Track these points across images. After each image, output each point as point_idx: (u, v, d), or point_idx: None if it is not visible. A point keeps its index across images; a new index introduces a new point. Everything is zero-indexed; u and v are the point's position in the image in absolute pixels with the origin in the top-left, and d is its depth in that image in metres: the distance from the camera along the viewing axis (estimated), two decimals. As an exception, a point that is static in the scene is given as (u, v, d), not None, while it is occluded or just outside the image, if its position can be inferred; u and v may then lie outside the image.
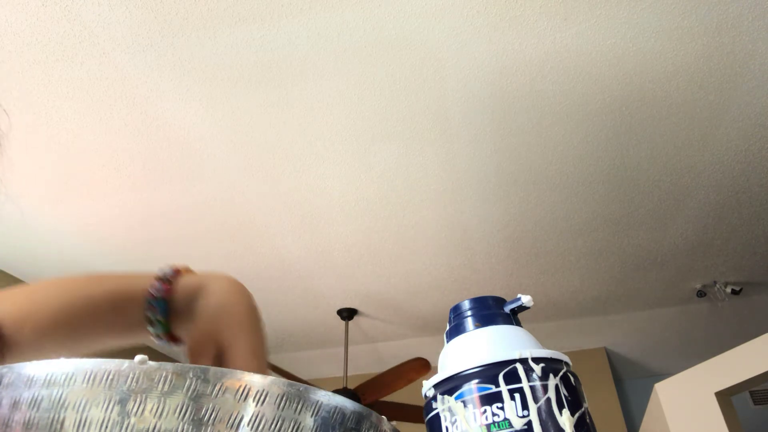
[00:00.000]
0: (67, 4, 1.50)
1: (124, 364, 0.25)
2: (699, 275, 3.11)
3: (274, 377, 0.28)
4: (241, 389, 0.26)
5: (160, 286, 0.46)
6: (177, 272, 0.47)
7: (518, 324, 0.46)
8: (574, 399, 0.39)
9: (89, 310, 0.47)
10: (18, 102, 1.78)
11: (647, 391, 3.48)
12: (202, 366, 0.26)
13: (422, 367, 2.78)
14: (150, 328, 0.46)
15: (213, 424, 0.25)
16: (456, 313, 0.48)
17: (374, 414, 0.32)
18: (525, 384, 0.38)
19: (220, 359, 0.43)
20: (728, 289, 3.16)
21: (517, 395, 0.37)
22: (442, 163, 2.16)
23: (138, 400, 0.24)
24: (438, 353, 0.47)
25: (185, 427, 0.24)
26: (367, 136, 2.01)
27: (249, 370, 0.42)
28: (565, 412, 0.37)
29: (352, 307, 3.28)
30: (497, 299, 0.48)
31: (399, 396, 3.75)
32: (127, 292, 0.47)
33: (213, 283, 0.46)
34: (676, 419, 2.49)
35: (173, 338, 0.47)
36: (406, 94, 1.84)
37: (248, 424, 0.26)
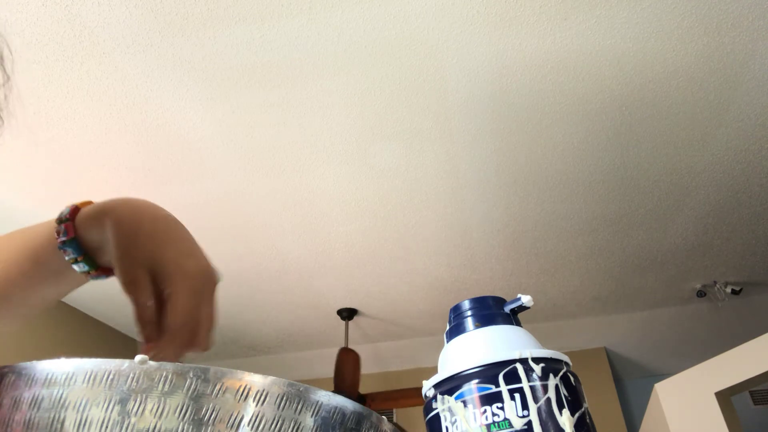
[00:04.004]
0: (67, 4, 1.50)
1: (125, 364, 0.25)
2: (699, 275, 3.11)
3: (274, 377, 0.28)
4: (241, 389, 0.26)
5: (62, 228, 0.44)
6: (75, 210, 0.45)
7: (518, 324, 0.46)
8: (574, 399, 0.39)
9: (11, 274, 0.46)
10: (18, 102, 1.78)
11: (647, 391, 3.47)
12: (202, 366, 0.26)
13: None
14: (77, 268, 0.45)
15: (213, 424, 0.25)
16: (456, 313, 0.48)
17: (374, 414, 0.32)
18: (525, 384, 0.38)
19: (156, 278, 0.41)
20: (728, 289, 3.16)
21: (517, 395, 0.37)
22: (442, 163, 2.16)
23: (138, 399, 0.24)
24: (438, 353, 0.47)
25: (185, 426, 0.24)
26: (367, 136, 2.01)
27: (187, 271, 0.41)
28: (565, 412, 0.37)
29: (352, 307, 3.28)
30: (497, 299, 0.48)
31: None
32: (39, 244, 0.46)
33: (118, 208, 0.44)
34: (676, 419, 2.49)
35: (105, 270, 0.46)
36: (406, 94, 1.84)
37: (248, 424, 0.26)
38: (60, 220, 0.45)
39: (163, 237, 0.43)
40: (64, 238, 0.44)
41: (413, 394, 2.82)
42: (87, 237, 0.44)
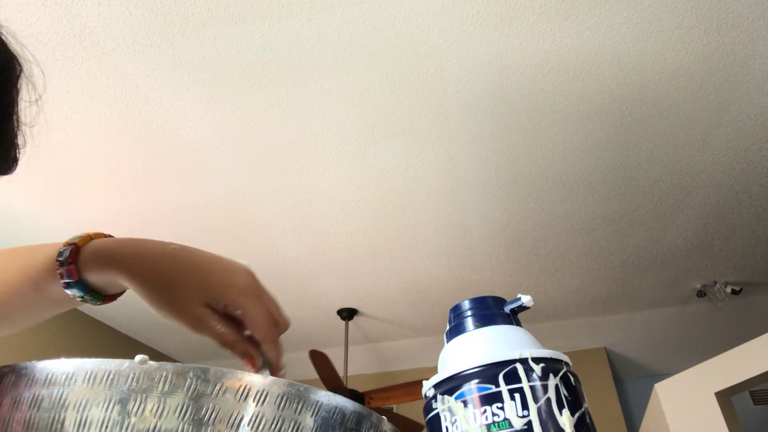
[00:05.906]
0: (67, 4, 1.50)
1: (125, 364, 0.25)
2: (699, 275, 3.11)
3: (274, 377, 0.28)
4: (241, 389, 0.26)
5: (65, 271, 0.43)
6: (75, 250, 0.44)
7: (518, 324, 0.46)
8: (574, 399, 0.39)
9: (12, 300, 0.46)
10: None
11: (647, 391, 3.47)
12: (202, 366, 0.26)
13: None
14: (82, 301, 0.45)
15: (213, 424, 0.25)
16: (456, 313, 0.48)
17: (374, 414, 0.32)
18: (525, 384, 0.38)
19: (212, 304, 0.42)
20: (728, 289, 3.16)
21: (517, 395, 0.37)
22: (442, 163, 2.16)
23: (138, 399, 0.24)
24: (438, 353, 0.47)
25: (185, 426, 0.24)
26: (367, 136, 2.01)
27: (239, 287, 0.43)
28: (565, 412, 0.37)
29: (352, 307, 3.28)
30: (497, 299, 0.47)
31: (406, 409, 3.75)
32: (40, 275, 0.45)
33: (129, 259, 0.44)
34: (676, 419, 2.49)
35: (112, 298, 0.47)
36: (406, 94, 1.84)
37: (248, 424, 0.26)
38: (61, 263, 0.44)
39: (195, 273, 0.44)
40: (68, 281, 0.44)
41: (411, 390, 2.82)
42: (91, 280, 0.44)
